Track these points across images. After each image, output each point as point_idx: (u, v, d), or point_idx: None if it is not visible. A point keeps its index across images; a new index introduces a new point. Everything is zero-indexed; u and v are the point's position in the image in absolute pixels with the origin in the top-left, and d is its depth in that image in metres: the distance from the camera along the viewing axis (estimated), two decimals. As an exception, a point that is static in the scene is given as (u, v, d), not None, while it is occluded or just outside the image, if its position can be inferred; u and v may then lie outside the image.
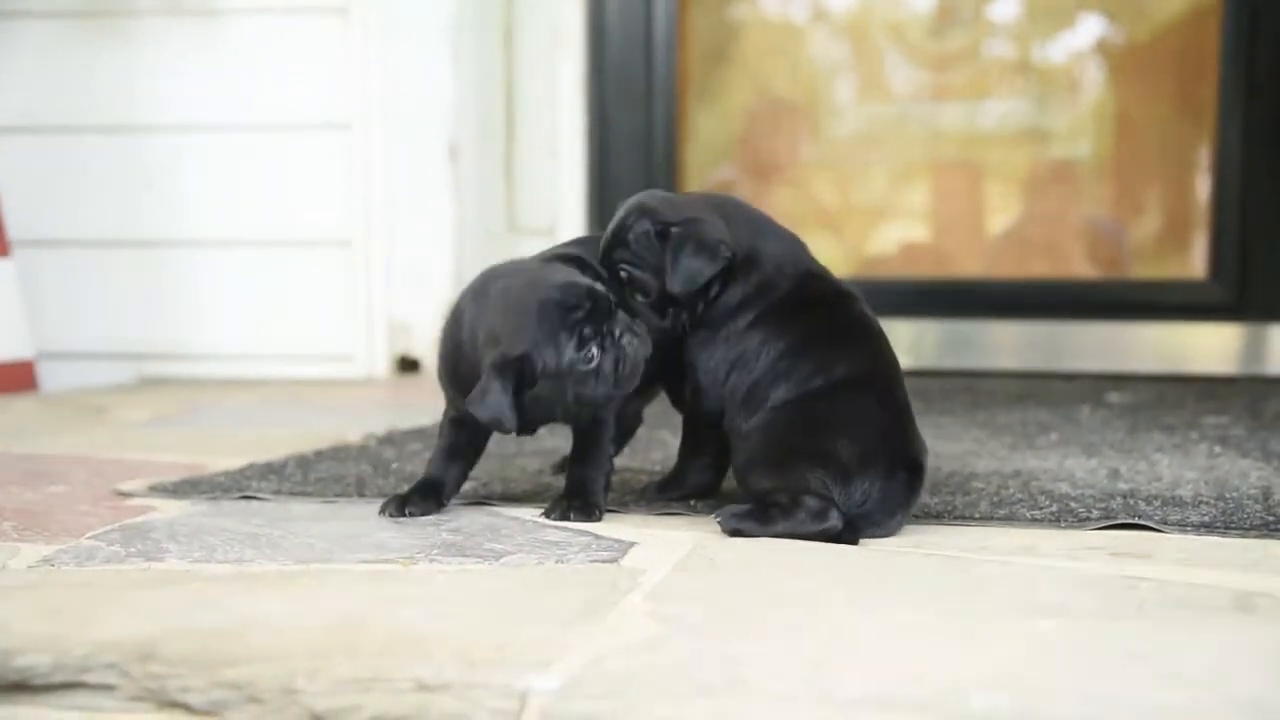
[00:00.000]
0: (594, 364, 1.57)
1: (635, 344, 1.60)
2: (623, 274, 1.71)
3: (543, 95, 4.01)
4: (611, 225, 1.74)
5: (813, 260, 1.77)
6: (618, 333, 1.58)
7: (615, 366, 1.58)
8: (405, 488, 1.78)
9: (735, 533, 1.57)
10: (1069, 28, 4.04)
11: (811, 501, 1.54)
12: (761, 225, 1.77)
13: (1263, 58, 3.73)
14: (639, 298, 1.71)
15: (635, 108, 4.03)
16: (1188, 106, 3.90)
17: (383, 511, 1.72)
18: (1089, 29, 4.04)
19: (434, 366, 1.76)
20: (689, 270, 1.68)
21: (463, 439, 1.74)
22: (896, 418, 1.63)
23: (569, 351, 1.56)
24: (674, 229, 1.69)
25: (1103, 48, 4.05)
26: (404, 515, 1.70)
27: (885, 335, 1.71)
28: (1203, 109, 3.86)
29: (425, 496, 1.73)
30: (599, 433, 1.71)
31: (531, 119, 4.04)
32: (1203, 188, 3.88)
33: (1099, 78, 4.05)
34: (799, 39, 4.16)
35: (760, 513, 1.57)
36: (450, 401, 1.72)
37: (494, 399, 1.54)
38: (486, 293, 1.64)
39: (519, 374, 1.55)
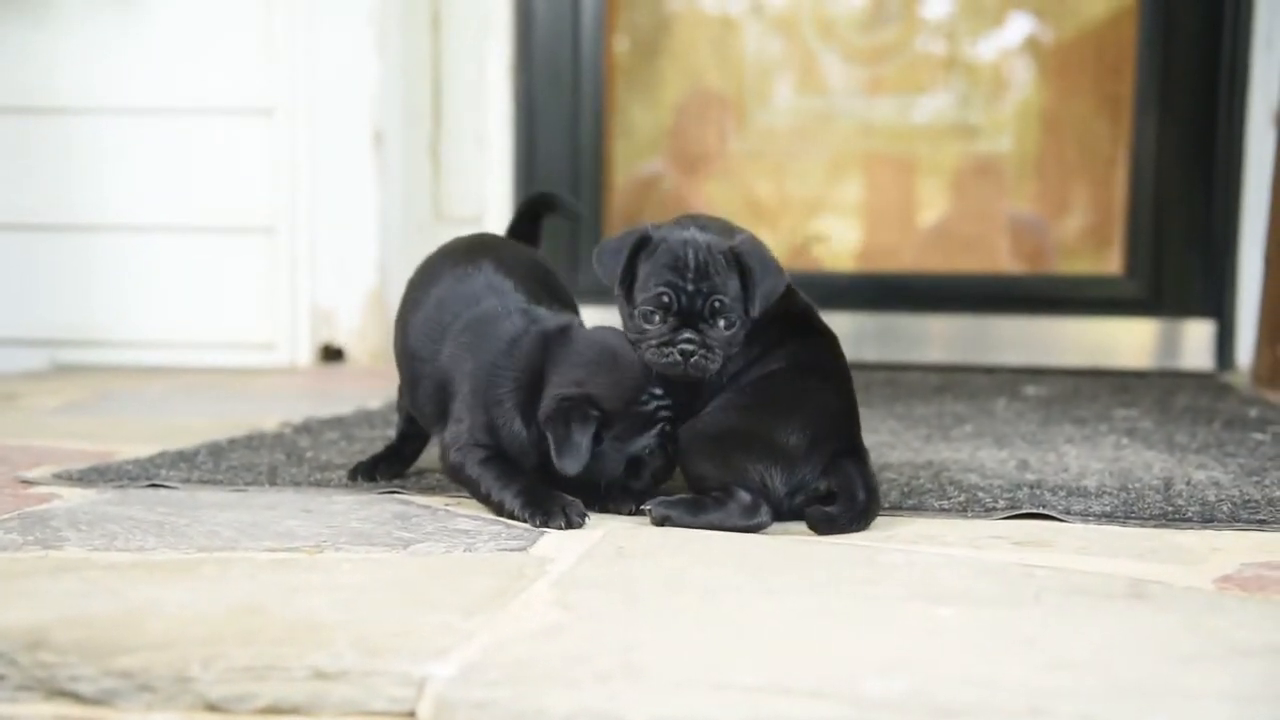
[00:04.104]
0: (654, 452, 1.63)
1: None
2: (716, 304, 1.59)
3: (470, 83, 3.99)
4: (692, 256, 1.59)
5: (796, 294, 1.70)
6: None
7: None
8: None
9: (663, 519, 1.56)
10: (998, 25, 4.09)
11: (744, 496, 1.55)
12: None
13: (1177, 58, 3.81)
14: (722, 328, 1.60)
15: (563, 97, 4.02)
16: (1110, 105, 3.97)
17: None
18: (1018, 27, 4.10)
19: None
20: (769, 290, 1.62)
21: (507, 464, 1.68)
22: (849, 408, 1.64)
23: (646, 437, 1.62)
24: (738, 250, 1.61)
25: (1030, 46, 4.11)
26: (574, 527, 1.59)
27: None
28: (1124, 108, 3.93)
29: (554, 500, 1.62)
30: None
31: (459, 107, 4.01)
32: (1123, 185, 3.96)
33: (1026, 75, 4.10)
34: (732, 32, 4.17)
35: (691, 503, 1.58)
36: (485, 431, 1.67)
37: (583, 443, 1.57)
38: (568, 343, 1.66)
39: (600, 422, 1.58)
